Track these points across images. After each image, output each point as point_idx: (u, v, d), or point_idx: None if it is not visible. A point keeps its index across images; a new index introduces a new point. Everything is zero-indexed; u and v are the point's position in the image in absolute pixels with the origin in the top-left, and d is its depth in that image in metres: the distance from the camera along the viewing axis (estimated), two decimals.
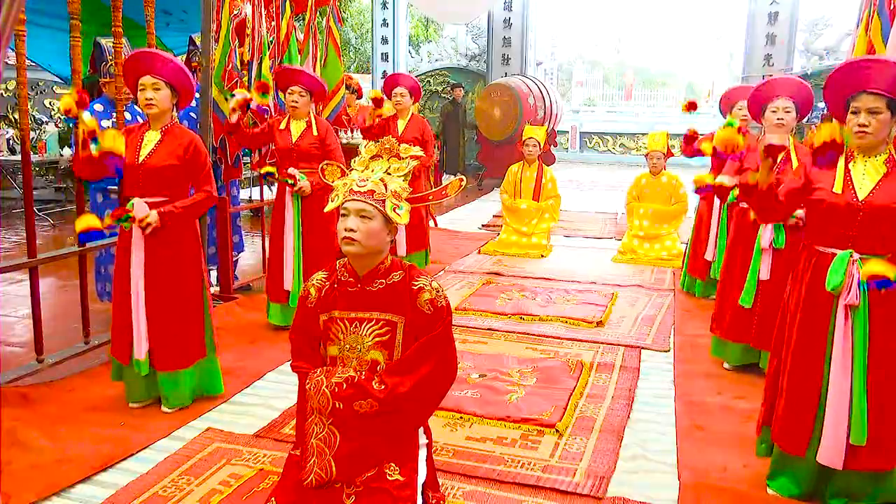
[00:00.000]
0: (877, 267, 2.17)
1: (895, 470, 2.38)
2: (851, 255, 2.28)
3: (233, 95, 4.10)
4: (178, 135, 3.05)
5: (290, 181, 4.07)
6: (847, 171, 2.32)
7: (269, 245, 4.36)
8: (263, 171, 4.17)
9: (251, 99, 4.00)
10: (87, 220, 2.80)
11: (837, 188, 2.30)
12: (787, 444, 2.45)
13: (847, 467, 2.33)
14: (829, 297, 2.32)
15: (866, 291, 2.26)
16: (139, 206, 2.94)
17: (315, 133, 4.20)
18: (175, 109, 3.09)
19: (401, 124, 5.54)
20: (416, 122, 5.61)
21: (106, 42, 4.24)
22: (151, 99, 2.95)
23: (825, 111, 2.51)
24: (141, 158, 2.98)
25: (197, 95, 4.51)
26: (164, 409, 3.13)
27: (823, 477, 2.44)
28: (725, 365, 3.75)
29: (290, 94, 4.15)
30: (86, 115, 2.76)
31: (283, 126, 4.25)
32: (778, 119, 3.41)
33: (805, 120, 6.75)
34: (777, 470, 2.53)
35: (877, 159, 2.31)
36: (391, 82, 5.61)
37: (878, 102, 2.22)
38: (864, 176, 2.30)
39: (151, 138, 3.03)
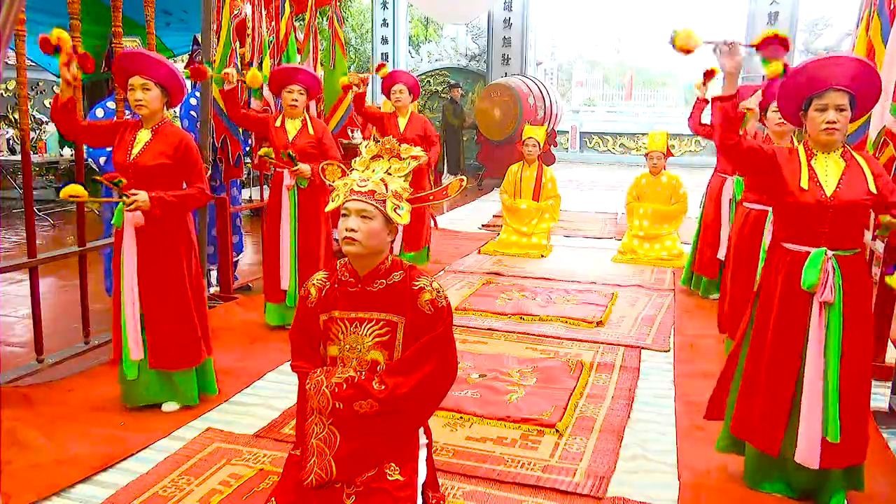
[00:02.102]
0: None
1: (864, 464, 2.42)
2: (826, 253, 2.30)
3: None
4: (168, 134, 3.04)
5: (291, 155, 3.94)
6: (811, 168, 2.35)
7: (265, 245, 4.36)
8: (261, 153, 4.12)
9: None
10: (74, 189, 2.78)
11: (804, 184, 2.32)
12: (763, 443, 2.45)
13: (823, 466, 2.33)
14: (806, 296, 2.34)
15: (841, 287, 2.29)
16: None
17: (311, 132, 4.18)
18: (166, 108, 3.09)
19: (401, 122, 5.51)
20: (416, 119, 5.60)
21: (124, 41, 4.23)
22: (141, 100, 2.96)
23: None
24: (132, 157, 2.99)
25: (198, 94, 4.52)
26: (164, 408, 3.13)
27: (804, 477, 2.44)
28: None
29: (288, 92, 4.11)
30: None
31: (277, 124, 4.21)
32: (780, 119, 3.49)
33: None
34: (756, 473, 2.53)
35: (835, 154, 2.36)
36: (389, 80, 5.58)
37: (843, 99, 2.27)
38: (828, 172, 2.34)
39: (143, 137, 3.03)
